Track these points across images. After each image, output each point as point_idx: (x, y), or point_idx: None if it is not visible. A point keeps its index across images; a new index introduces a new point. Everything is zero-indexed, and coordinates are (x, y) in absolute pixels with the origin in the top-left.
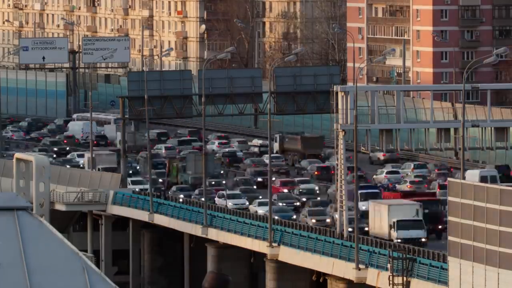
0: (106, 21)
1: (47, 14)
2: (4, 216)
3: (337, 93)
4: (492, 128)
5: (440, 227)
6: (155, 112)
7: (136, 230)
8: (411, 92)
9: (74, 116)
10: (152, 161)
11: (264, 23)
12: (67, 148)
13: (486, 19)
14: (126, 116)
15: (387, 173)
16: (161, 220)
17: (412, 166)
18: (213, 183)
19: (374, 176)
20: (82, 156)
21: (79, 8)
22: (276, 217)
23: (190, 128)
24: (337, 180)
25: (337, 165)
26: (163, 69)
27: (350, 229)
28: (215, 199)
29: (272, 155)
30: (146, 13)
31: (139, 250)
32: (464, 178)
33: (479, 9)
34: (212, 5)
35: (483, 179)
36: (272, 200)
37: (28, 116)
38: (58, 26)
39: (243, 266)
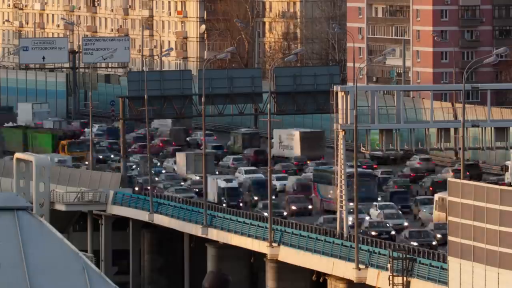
0: (106, 21)
1: (47, 14)
2: (4, 216)
3: (337, 93)
4: (492, 128)
5: None
6: (155, 112)
7: (136, 230)
8: (411, 92)
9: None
10: (152, 160)
11: (264, 23)
12: None
13: (486, 19)
14: (126, 116)
15: None
16: (161, 220)
17: None
18: None
19: None
20: None
21: (79, 8)
22: None
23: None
24: (337, 179)
25: (337, 165)
26: (163, 69)
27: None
28: None
29: None
30: (146, 13)
31: (139, 250)
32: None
33: (479, 9)
34: (212, 5)
35: None
36: None
37: None
38: (58, 26)
39: (243, 266)
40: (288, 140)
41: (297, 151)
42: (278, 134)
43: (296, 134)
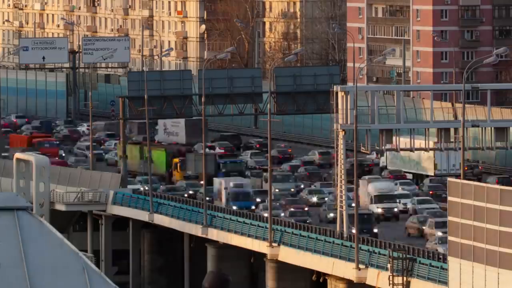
0: (106, 21)
1: (47, 14)
2: (4, 216)
3: (337, 93)
4: (492, 128)
5: None
6: (155, 112)
7: (136, 230)
8: (411, 92)
9: None
10: (151, 160)
11: (264, 23)
12: None
13: (486, 19)
14: (126, 116)
15: None
16: (161, 220)
17: None
18: None
19: None
20: None
21: (79, 8)
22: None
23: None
24: (337, 180)
25: (337, 165)
26: (163, 69)
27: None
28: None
29: None
30: (146, 13)
31: (139, 250)
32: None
33: (479, 9)
34: (212, 5)
35: None
36: None
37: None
38: (58, 26)
39: (243, 266)
40: (173, 127)
41: (182, 137)
42: (163, 121)
43: (181, 121)
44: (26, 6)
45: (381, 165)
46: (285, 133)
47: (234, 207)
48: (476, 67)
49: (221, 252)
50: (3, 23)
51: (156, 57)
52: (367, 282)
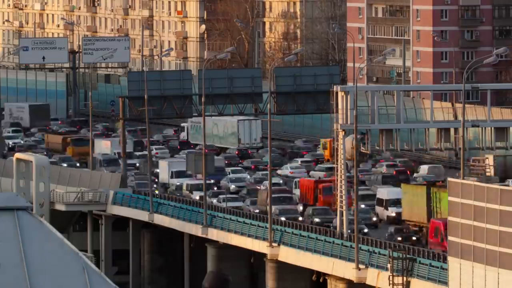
0: (106, 21)
1: (47, 14)
2: (4, 216)
3: (337, 93)
4: (492, 128)
5: None
6: (155, 112)
7: (136, 230)
8: (411, 92)
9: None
10: (151, 160)
11: (264, 23)
12: None
13: (486, 19)
14: (126, 116)
15: None
16: (161, 220)
17: None
18: None
19: None
20: None
21: (79, 8)
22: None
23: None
24: (337, 180)
25: (337, 165)
26: (163, 69)
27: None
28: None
29: None
30: (146, 13)
31: (139, 250)
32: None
33: (479, 9)
34: (212, 5)
35: None
36: None
37: None
38: (58, 26)
39: (243, 266)
40: (18, 112)
41: (26, 121)
42: (9, 107)
43: (26, 106)
44: (26, 6)
45: (181, 138)
46: (285, 133)
47: None
48: (476, 67)
49: (221, 252)
50: (3, 23)
51: (156, 57)
52: (367, 282)
